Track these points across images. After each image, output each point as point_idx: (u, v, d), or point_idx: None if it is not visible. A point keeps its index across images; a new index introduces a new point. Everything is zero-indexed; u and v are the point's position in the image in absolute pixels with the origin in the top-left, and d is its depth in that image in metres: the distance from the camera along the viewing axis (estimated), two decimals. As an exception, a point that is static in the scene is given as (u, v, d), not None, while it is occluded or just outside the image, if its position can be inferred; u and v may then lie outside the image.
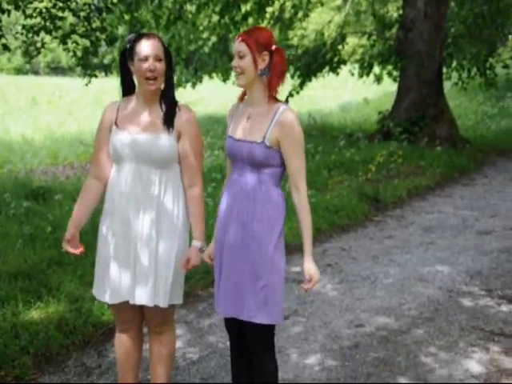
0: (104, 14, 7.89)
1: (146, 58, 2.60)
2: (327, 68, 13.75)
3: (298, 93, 13.51)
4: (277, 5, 13.94)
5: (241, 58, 2.49)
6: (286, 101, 11.99)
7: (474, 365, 3.59)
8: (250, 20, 12.70)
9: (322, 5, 15.92)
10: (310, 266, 2.56)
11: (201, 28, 14.09)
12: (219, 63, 14.06)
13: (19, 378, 3.38)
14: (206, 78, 15.18)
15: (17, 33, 7.38)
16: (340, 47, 13.77)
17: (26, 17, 7.05)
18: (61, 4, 7.06)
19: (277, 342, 2.81)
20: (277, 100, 2.56)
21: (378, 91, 20.42)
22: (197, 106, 18.89)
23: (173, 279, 2.70)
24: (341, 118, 16.45)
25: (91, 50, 8.20)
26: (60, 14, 7.10)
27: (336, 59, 13.61)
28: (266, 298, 2.53)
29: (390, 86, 16.55)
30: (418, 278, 5.06)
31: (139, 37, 2.65)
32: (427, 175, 8.99)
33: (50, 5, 7.11)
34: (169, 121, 2.69)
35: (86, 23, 7.50)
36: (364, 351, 3.77)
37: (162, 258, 2.69)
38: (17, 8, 6.76)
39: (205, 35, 14.31)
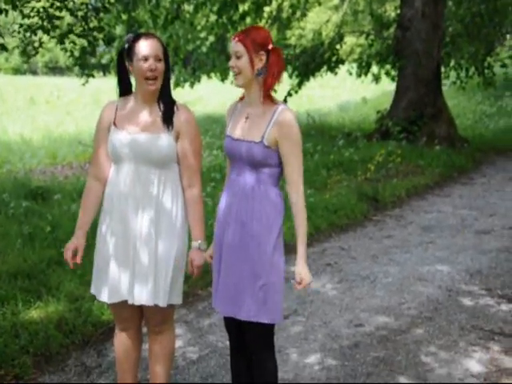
0: (101, 14, 7.88)
1: (146, 58, 2.60)
2: (325, 67, 13.75)
3: (296, 92, 13.50)
4: (274, 4, 13.94)
5: (238, 58, 2.48)
6: (285, 100, 12.00)
7: (474, 364, 3.60)
8: (248, 20, 12.69)
9: (320, 4, 15.93)
10: (301, 270, 2.53)
11: (199, 28, 14.09)
12: (217, 63, 14.04)
13: (19, 378, 3.38)
14: (204, 78, 15.16)
15: (14, 31, 7.36)
16: (338, 47, 13.76)
17: (24, 16, 7.03)
18: (58, 3, 7.04)
19: (276, 341, 2.81)
20: (275, 100, 2.55)
21: (377, 91, 20.44)
22: (195, 105, 18.89)
23: (172, 279, 2.70)
24: (339, 117, 16.46)
25: (89, 49, 8.17)
26: (57, 13, 7.08)
27: (334, 59, 13.60)
28: (266, 297, 2.52)
29: (388, 86, 16.57)
30: (417, 277, 5.07)
31: (138, 37, 2.65)
32: (426, 174, 9.00)
33: (47, 4, 7.10)
34: (168, 120, 2.68)
35: (83, 23, 7.49)
36: (364, 351, 3.77)
37: (162, 258, 2.69)
38: (14, 8, 6.74)
39: (203, 35, 14.30)
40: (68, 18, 8.02)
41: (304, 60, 13.40)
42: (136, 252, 2.68)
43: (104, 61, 16.83)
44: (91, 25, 7.62)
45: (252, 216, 2.52)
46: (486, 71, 13.28)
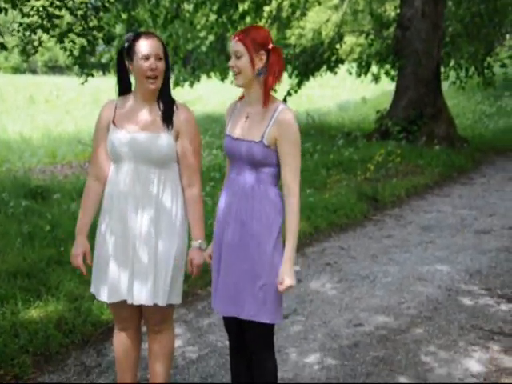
0: (101, 13, 7.87)
1: (147, 58, 2.60)
2: (325, 67, 13.75)
3: (296, 92, 13.50)
4: (274, 4, 13.93)
5: (238, 57, 2.48)
6: (284, 100, 12.00)
7: (474, 364, 3.60)
8: (248, 19, 12.68)
9: (320, 4, 15.92)
10: (285, 271, 2.48)
11: (198, 27, 14.08)
12: (217, 62, 14.03)
13: (18, 377, 3.37)
14: (203, 77, 15.15)
15: (13, 30, 7.35)
16: (338, 46, 13.76)
17: (23, 15, 7.03)
18: (58, 2, 7.03)
19: (276, 341, 2.81)
20: (275, 99, 2.55)
21: (376, 90, 20.44)
22: (195, 105, 18.89)
23: (172, 278, 2.70)
24: (339, 117, 16.46)
25: (88, 49, 8.15)
26: (57, 12, 7.07)
27: (334, 58, 13.60)
28: (266, 297, 2.52)
29: (387, 85, 16.58)
30: (417, 277, 5.07)
31: (138, 36, 2.64)
32: (426, 174, 9.00)
33: (47, 3, 7.09)
34: (168, 119, 2.68)
35: (83, 22, 7.48)
36: (363, 350, 3.77)
37: (161, 257, 2.68)
38: (14, 7, 6.73)
39: (202, 34, 14.30)
40: (68, 17, 8.01)
41: (304, 59, 13.40)
42: (135, 251, 2.67)
43: (104, 60, 16.81)
44: (91, 24, 7.61)
45: (252, 215, 2.52)
46: (485, 71, 13.28)
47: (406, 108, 11.34)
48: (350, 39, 17.68)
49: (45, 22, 7.05)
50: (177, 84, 14.19)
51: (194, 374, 3.48)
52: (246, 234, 2.53)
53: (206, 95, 23.25)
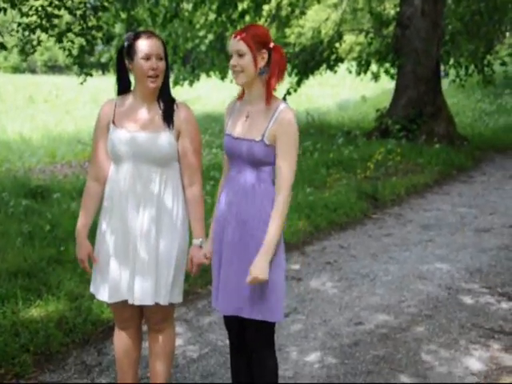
0: (100, 13, 7.87)
1: (148, 57, 2.59)
2: (324, 66, 13.75)
3: (295, 91, 13.50)
4: (274, 2, 13.93)
5: (240, 56, 2.47)
6: (284, 99, 11.99)
7: (474, 362, 3.60)
8: (247, 18, 12.67)
9: (319, 2, 15.93)
10: (257, 263, 2.43)
11: (197, 26, 14.08)
12: (216, 61, 14.04)
13: (19, 376, 3.38)
14: (203, 76, 15.16)
15: (12, 30, 7.35)
16: (337, 45, 13.76)
17: (22, 15, 7.03)
18: (57, 2, 7.03)
19: (276, 339, 2.81)
20: (276, 98, 2.55)
21: (376, 89, 20.45)
22: (194, 104, 18.87)
23: (173, 277, 2.70)
24: (338, 115, 16.45)
25: (87, 48, 8.16)
26: (56, 12, 7.07)
27: (333, 57, 13.59)
28: (267, 295, 2.52)
29: (387, 84, 16.57)
30: (417, 275, 5.07)
31: (138, 35, 2.64)
32: (425, 173, 9.00)
33: (45, 3, 7.09)
34: (168, 118, 2.68)
35: (81, 22, 7.48)
36: (364, 349, 3.77)
37: (163, 257, 2.68)
38: (13, 6, 6.73)
39: (202, 33, 14.30)
40: (67, 17, 8.01)
41: (303, 58, 13.40)
42: (136, 250, 2.67)
43: (103, 59, 16.83)
44: (90, 24, 7.61)
45: (252, 214, 2.52)
46: (485, 69, 13.27)
47: (406, 106, 11.34)
48: (349, 38, 17.67)
49: (44, 22, 7.05)
50: (176, 83, 14.19)
51: (195, 373, 3.48)
52: (247, 233, 2.53)
53: (205, 94, 23.25)
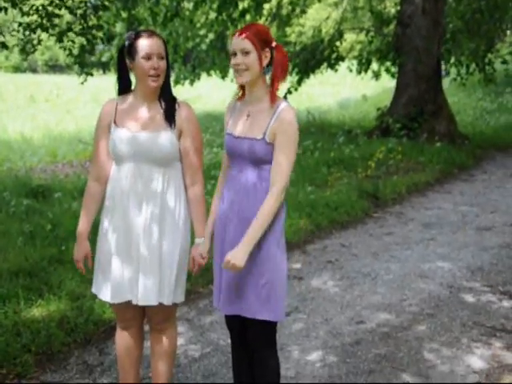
0: (100, 12, 7.87)
1: (149, 57, 2.59)
2: (325, 64, 13.74)
3: (296, 90, 13.49)
4: (274, 1, 13.92)
5: (245, 54, 2.46)
6: (285, 98, 11.97)
7: (476, 360, 3.60)
8: (248, 17, 12.67)
9: (320, 1, 15.90)
10: (237, 252, 2.42)
11: (198, 25, 14.07)
12: (217, 60, 14.04)
13: (21, 376, 3.38)
14: (203, 75, 15.15)
15: (13, 30, 7.36)
16: (338, 44, 13.75)
17: (23, 14, 7.03)
18: (57, 1, 7.04)
19: (278, 338, 2.80)
20: (277, 97, 2.54)
21: (377, 88, 20.44)
22: (195, 103, 18.86)
23: (176, 277, 2.70)
24: (339, 114, 16.44)
25: (88, 48, 8.16)
26: (56, 11, 7.08)
27: (334, 56, 13.59)
28: (269, 295, 2.52)
29: (388, 83, 16.55)
30: (418, 274, 5.06)
31: (139, 34, 2.63)
32: (426, 171, 8.99)
33: (46, 2, 7.09)
34: (170, 117, 2.67)
35: (82, 21, 7.48)
36: (365, 348, 3.77)
37: (166, 256, 2.68)
38: (14, 6, 6.74)
39: (202, 32, 14.29)
40: (67, 17, 8.01)
41: (304, 57, 13.39)
42: (139, 249, 2.66)
43: (104, 59, 16.83)
44: (90, 23, 7.61)
45: (254, 212, 2.51)
46: (486, 67, 13.25)
47: (407, 105, 11.33)
48: (350, 36, 17.65)
49: (44, 21, 7.06)
50: (177, 82, 14.19)
51: (197, 373, 3.48)
52: (249, 231, 2.52)
53: (206, 93, 23.24)
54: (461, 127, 12.05)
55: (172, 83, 2.88)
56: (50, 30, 7.20)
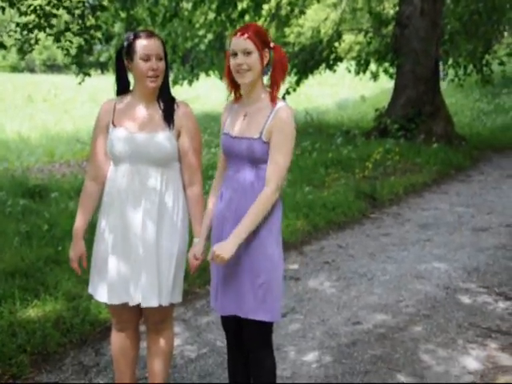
0: (98, 12, 7.87)
1: (148, 58, 2.58)
2: (324, 65, 13.76)
3: (294, 90, 13.50)
4: (273, 2, 13.92)
5: (247, 54, 2.45)
6: (283, 98, 11.98)
7: (471, 361, 3.60)
8: (247, 17, 12.67)
9: (318, 2, 15.91)
10: (226, 244, 2.42)
11: (197, 25, 14.06)
12: (216, 61, 14.03)
13: (16, 377, 3.37)
14: (202, 76, 15.15)
15: (10, 30, 7.35)
16: (336, 44, 13.77)
17: (21, 14, 7.03)
18: (55, 1, 7.04)
19: (274, 339, 2.80)
20: (277, 98, 2.55)
21: (375, 88, 20.45)
22: (193, 103, 18.76)
23: (173, 277, 2.69)
24: (337, 115, 16.45)
25: (86, 48, 8.16)
26: (54, 11, 7.08)
27: (332, 56, 13.60)
28: (265, 295, 2.52)
29: (386, 84, 16.57)
30: (414, 274, 5.07)
31: (138, 35, 2.63)
32: (423, 172, 9.01)
33: (44, 2, 7.09)
34: (169, 117, 2.67)
35: (80, 21, 7.48)
36: (361, 348, 3.77)
37: (164, 257, 2.68)
38: (11, 5, 6.74)
39: (201, 33, 14.29)
40: (65, 16, 8.01)
41: (302, 58, 13.41)
42: (136, 250, 2.66)
43: (102, 59, 16.81)
44: (88, 23, 7.61)
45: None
46: (484, 69, 13.28)
47: (405, 106, 11.35)
48: (348, 37, 17.65)
49: (42, 21, 7.06)
50: (175, 83, 14.19)
51: (193, 373, 3.48)
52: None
53: (204, 94, 23.23)
54: (458, 128, 12.07)
55: (170, 83, 2.88)
56: (48, 30, 7.20)
